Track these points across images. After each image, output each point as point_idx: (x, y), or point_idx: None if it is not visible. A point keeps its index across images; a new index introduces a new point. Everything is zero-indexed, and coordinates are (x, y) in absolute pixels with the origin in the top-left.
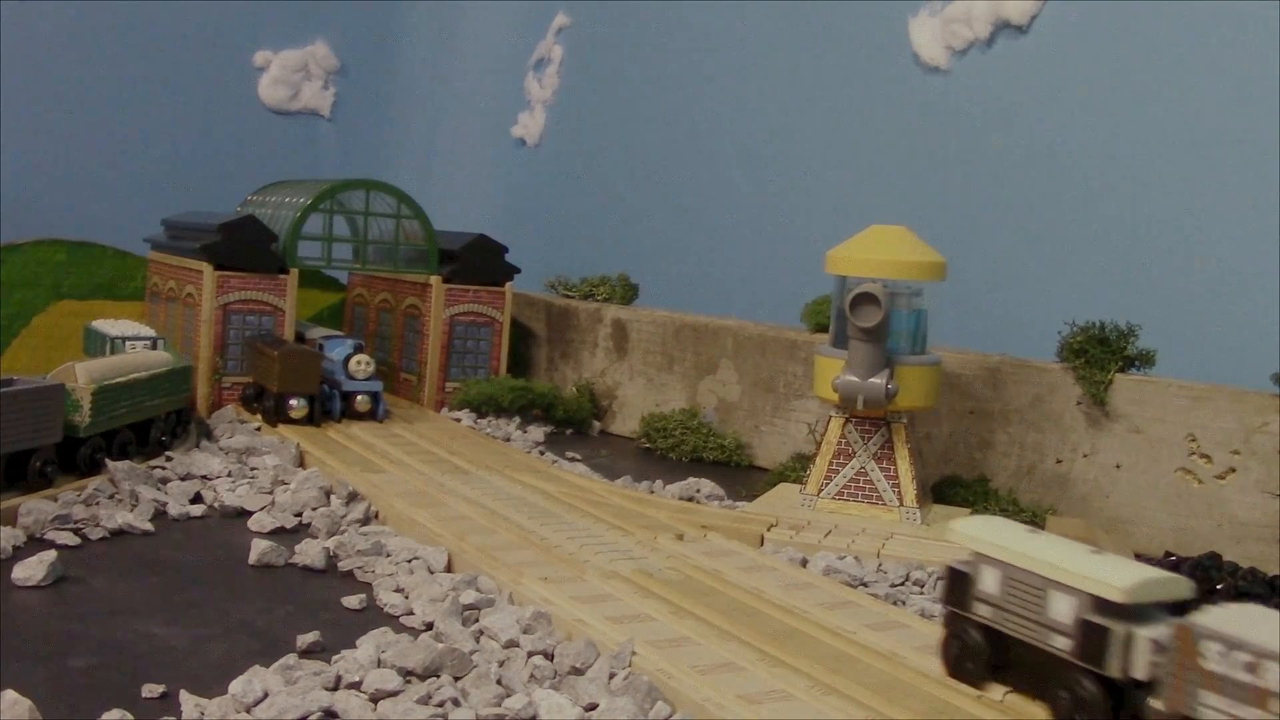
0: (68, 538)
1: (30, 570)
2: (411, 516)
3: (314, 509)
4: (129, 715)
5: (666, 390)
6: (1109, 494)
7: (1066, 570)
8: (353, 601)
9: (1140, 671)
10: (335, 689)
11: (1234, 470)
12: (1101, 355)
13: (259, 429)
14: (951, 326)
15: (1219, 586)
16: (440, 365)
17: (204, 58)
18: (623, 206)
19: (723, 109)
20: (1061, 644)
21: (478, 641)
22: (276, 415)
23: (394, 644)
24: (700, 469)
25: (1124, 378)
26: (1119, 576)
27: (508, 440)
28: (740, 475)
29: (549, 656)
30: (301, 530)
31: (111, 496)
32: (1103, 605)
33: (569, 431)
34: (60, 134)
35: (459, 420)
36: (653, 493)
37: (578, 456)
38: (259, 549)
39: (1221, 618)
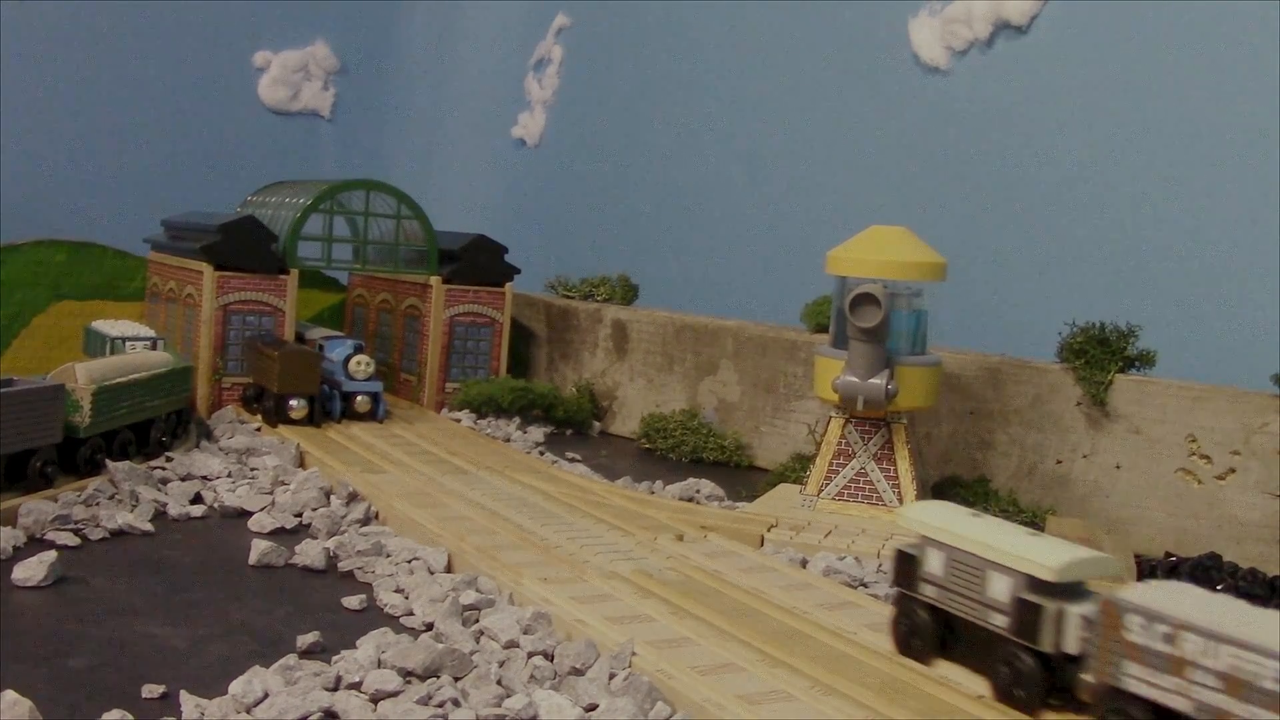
0: (68, 538)
1: (30, 570)
2: (411, 517)
3: (314, 509)
4: (129, 715)
5: (666, 391)
6: (1109, 494)
7: (1003, 551)
8: (353, 602)
9: (1072, 646)
10: (335, 689)
11: (1234, 471)
12: (1101, 356)
13: (259, 429)
14: (951, 326)
15: (1219, 587)
16: (440, 366)
17: (204, 58)
18: (623, 206)
19: (723, 109)
20: (1000, 621)
21: (478, 642)
22: (276, 416)
23: (394, 644)
24: (700, 469)
25: (1124, 378)
26: (1050, 556)
27: (508, 441)
28: (740, 476)
29: (549, 657)
30: (301, 531)
31: (111, 497)
32: (1036, 584)
33: (569, 432)
34: (60, 134)
35: (459, 421)
36: (653, 493)
37: (578, 457)
38: (259, 549)
39: (1144, 593)
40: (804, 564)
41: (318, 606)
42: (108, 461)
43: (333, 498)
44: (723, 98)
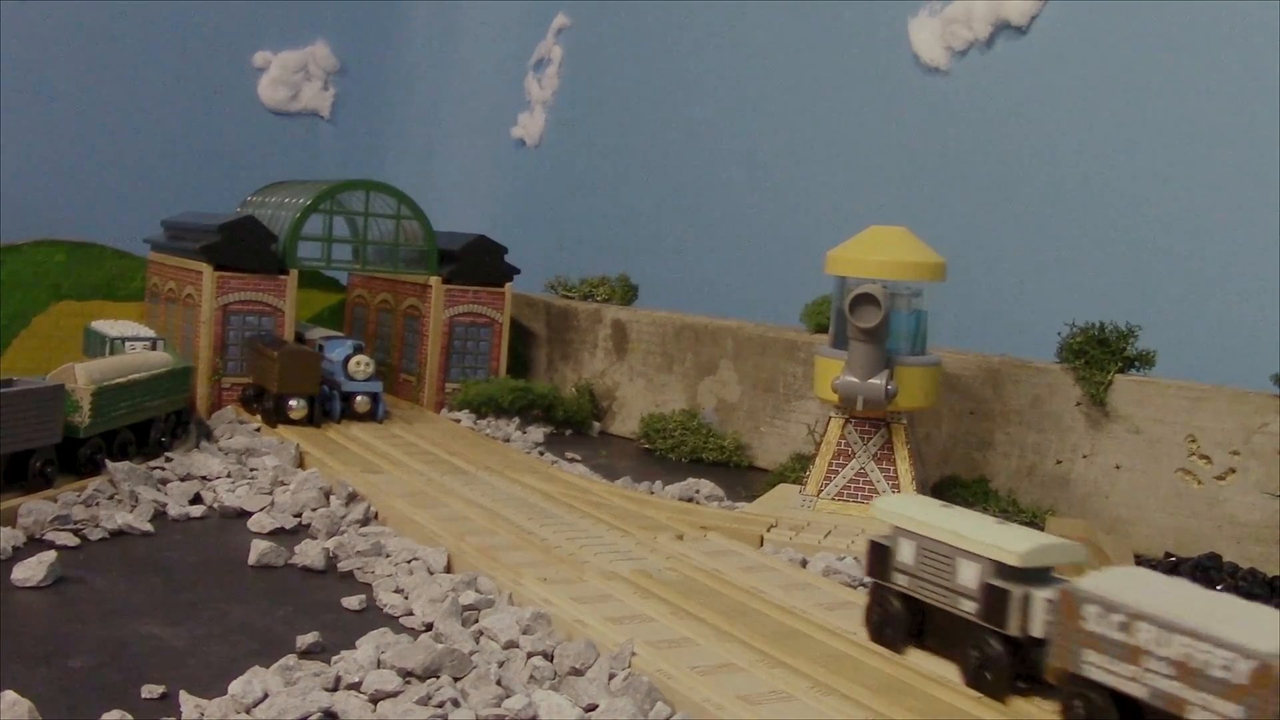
0: (67, 538)
1: (30, 571)
2: (411, 517)
3: (313, 510)
4: (129, 715)
5: (666, 391)
6: (1109, 495)
7: (970, 539)
8: (352, 602)
9: (1038, 630)
10: (335, 689)
11: (1234, 471)
12: (1101, 356)
13: (259, 430)
14: (951, 327)
15: (1219, 588)
16: (440, 366)
17: (204, 58)
18: (623, 206)
19: (723, 109)
20: (969, 607)
21: (477, 642)
22: (276, 416)
23: (394, 644)
24: (700, 469)
25: (1124, 378)
26: (1015, 542)
27: (507, 441)
28: (740, 476)
29: (549, 657)
30: (301, 531)
31: (111, 497)
32: (1002, 570)
33: (569, 432)
34: (60, 134)
35: (459, 421)
36: (652, 493)
37: (577, 457)
38: (259, 550)
39: (1101, 582)
40: (804, 564)
41: (317, 606)
42: (107, 462)
43: (332, 498)
44: (723, 98)
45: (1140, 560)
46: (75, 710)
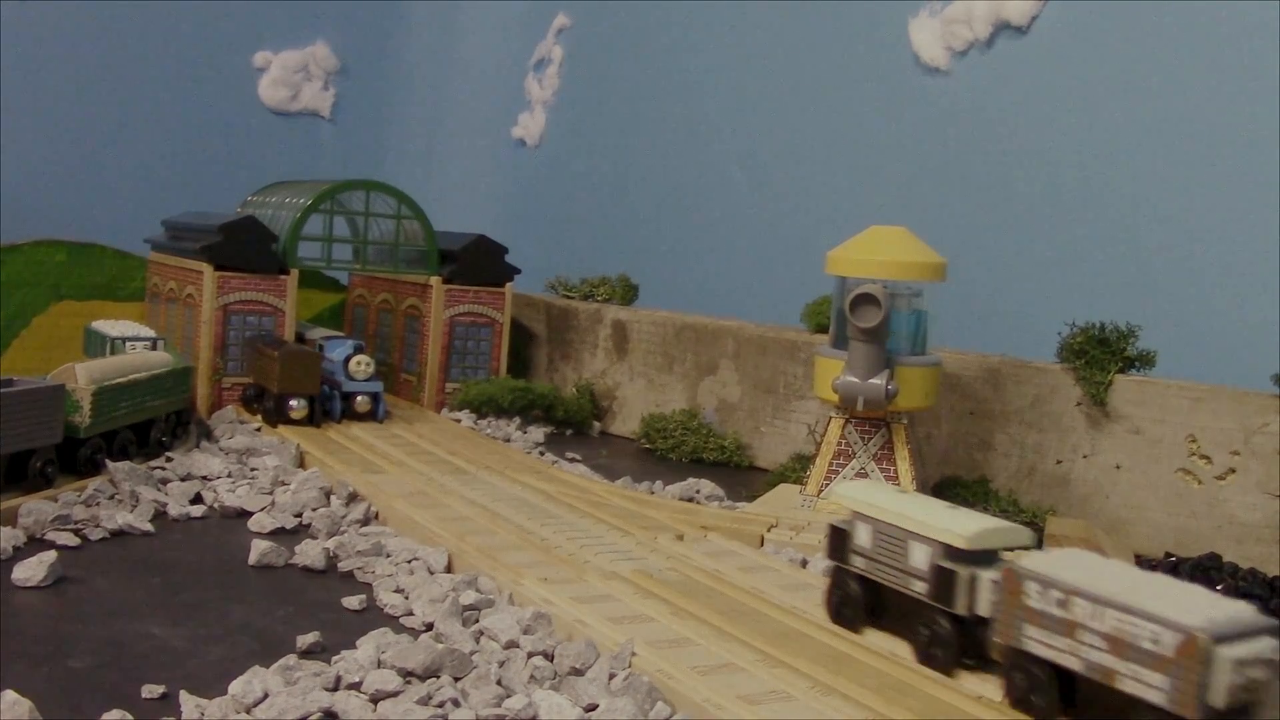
0: (68, 538)
1: (30, 571)
2: (411, 517)
3: (314, 510)
4: (129, 715)
5: (666, 391)
6: (1109, 495)
7: (921, 522)
8: (353, 602)
9: (984, 609)
10: (335, 689)
11: (1234, 471)
12: (1101, 356)
13: (259, 430)
14: (951, 327)
15: (1219, 588)
16: (440, 366)
17: (204, 58)
18: (623, 206)
19: (722, 109)
20: (920, 588)
21: (478, 642)
22: (277, 416)
23: (394, 644)
24: (700, 469)
25: (1124, 378)
26: (963, 525)
27: (508, 441)
28: (740, 476)
29: (549, 657)
30: (301, 531)
31: (111, 497)
32: (950, 551)
33: (569, 432)
34: (60, 134)
35: (459, 421)
36: (653, 493)
37: (578, 457)
38: (259, 550)
39: (1041, 561)
40: (804, 564)
41: (318, 606)
42: (108, 462)
43: (333, 498)
44: (723, 98)
45: (1140, 560)
46: (75, 710)
